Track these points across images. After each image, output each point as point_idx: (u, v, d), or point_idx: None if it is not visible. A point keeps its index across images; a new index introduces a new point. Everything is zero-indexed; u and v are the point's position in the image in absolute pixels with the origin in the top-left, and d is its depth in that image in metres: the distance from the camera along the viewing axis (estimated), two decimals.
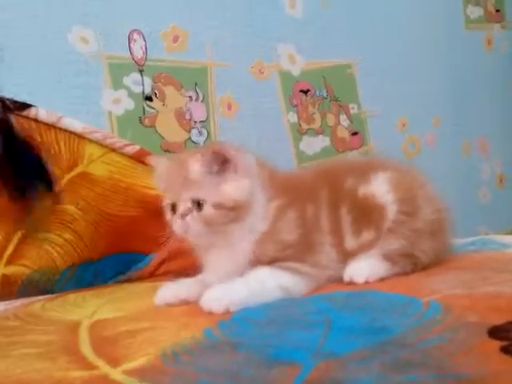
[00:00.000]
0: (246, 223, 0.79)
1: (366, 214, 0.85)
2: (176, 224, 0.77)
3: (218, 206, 0.76)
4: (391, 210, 0.85)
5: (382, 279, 0.82)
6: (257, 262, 0.78)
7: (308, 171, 0.92)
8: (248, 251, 0.79)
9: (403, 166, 0.95)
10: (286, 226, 0.80)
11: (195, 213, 0.76)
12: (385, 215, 0.85)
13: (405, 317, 0.60)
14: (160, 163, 0.84)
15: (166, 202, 0.80)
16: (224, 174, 0.77)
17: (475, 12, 2.09)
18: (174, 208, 0.78)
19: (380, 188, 0.86)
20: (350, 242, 0.85)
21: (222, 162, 0.77)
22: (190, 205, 0.76)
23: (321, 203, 0.84)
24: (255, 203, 0.79)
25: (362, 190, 0.86)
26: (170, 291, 0.77)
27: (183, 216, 0.76)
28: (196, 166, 0.77)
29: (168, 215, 0.80)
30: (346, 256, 0.84)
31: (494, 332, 0.51)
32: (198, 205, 0.76)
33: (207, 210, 0.76)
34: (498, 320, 0.54)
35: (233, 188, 0.78)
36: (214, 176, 0.77)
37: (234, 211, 0.77)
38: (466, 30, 2.06)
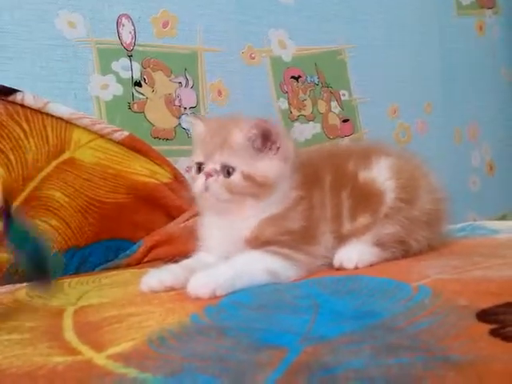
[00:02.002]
0: (263, 203, 0.80)
1: (365, 199, 0.85)
2: (197, 181, 0.78)
3: (247, 177, 0.78)
4: (390, 197, 0.84)
5: (371, 265, 0.82)
6: (253, 240, 0.78)
7: (314, 155, 0.92)
8: (248, 228, 0.79)
9: (406, 153, 0.95)
10: (295, 215, 0.80)
11: (221, 177, 0.77)
12: (383, 201, 0.84)
13: (394, 301, 0.60)
14: (199, 123, 0.84)
15: (194, 160, 0.81)
16: (264, 151, 0.79)
17: None
18: (200, 168, 0.79)
19: (381, 174, 0.86)
20: (347, 226, 0.85)
21: (266, 140, 0.79)
22: (218, 168, 0.78)
23: (326, 190, 0.84)
24: (280, 187, 0.81)
25: (363, 175, 0.86)
26: (156, 278, 0.75)
27: (207, 175, 0.77)
28: (239, 135, 0.79)
29: (192, 172, 0.82)
30: (342, 240, 0.84)
31: (483, 315, 0.51)
32: (228, 172, 0.78)
33: (236, 177, 0.78)
34: (487, 304, 0.54)
35: (268, 166, 0.79)
36: (253, 149, 0.79)
37: (260, 188, 0.79)
38: (457, 16, 2.05)
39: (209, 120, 0.85)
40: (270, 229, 0.79)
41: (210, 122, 0.84)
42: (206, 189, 0.77)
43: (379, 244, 0.84)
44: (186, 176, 1.27)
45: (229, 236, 0.80)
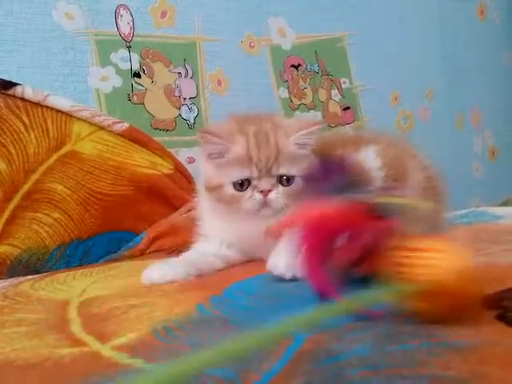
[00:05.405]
0: None
1: None
2: (253, 200, 0.76)
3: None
4: (378, 176, 0.85)
5: None
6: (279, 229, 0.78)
7: None
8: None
9: (393, 138, 0.96)
10: None
11: (281, 188, 0.76)
12: (370, 181, 0.85)
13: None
14: (239, 140, 0.78)
15: (236, 177, 0.77)
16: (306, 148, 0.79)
17: None
18: (243, 184, 0.76)
19: (366, 155, 0.87)
20: None
21: (309, 140, 0.79)
22: (274, 181, 0.76)
23: None
24: None
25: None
26: (157, 272, 0.75)
27: (266, 192, 0.76)
28: (296, 139, 0.78)
29: (230, 190, 0.77)
30: None
31: (487, 301, 0.51)
32: (287, 180, 0.77)
33: (297, 183, 0.77)
34: (491, 289, 0.54)
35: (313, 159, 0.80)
36: (304, 149, 0.79)
37: None
38: (458, 0, 2.03)
39: (243, 131, 0.79)
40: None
41: (248, 134, 0.78)
42: (265, 205, 0.76)
43: None
44: (188, 167, 1.27)
45: (251, 229, 0.79)
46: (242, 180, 0.76)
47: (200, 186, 0.88)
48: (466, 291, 0.44)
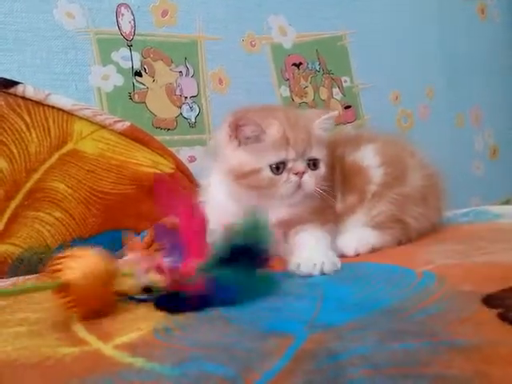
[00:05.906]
0: None
1: (352, 178, 0.87)
2: (289, 183, 0.78)
3: (325, 164, 0.81)
4: (377, 174, 0.86)
5: (373, 249, 0.82)
6: (284, 222, 0.80)
7: None
8: (286, 209, 0.81)
9: (392, 137, 0.97)
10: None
11: (310, 172, 0.79)
12: (369, 178, 0.86)
13: (398, 287, 0.60)
14: (275, 123, 0.79)
15: (270, 162, 0.78)
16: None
17: None
18: (278, 167, 0.78)
19: (366, 153, 0.89)
20: (339, 206, 0.87)
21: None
22: (306, 163, 0.79)
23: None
24: None
25: (350, 157, 0.89)
26: None
27: (300, 174, 0.78)
28: (317, 127, 0.81)
29: (267, 173, 0.78)
30: (337, 218, 0.86)
31: (489, 300, 0.51)
32: (314, 164, 0.80)
33: (322, 167, 0.81)
34: (492, 288, 0.54)
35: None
36: (325, 133, 0.82)
37: None
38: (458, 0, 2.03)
39: (274, 117, 0.80)
40: (309, 208, 0.81)
41: (280, 119, 0.79)
42: (300, 187, 0.78)
43: (376, 226, 0.85)
44: (189, 166, 1.27)
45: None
46: (278, 163, 0.77)
47: (215, 178, 0.87)
48: (92, 290, 0.57)
